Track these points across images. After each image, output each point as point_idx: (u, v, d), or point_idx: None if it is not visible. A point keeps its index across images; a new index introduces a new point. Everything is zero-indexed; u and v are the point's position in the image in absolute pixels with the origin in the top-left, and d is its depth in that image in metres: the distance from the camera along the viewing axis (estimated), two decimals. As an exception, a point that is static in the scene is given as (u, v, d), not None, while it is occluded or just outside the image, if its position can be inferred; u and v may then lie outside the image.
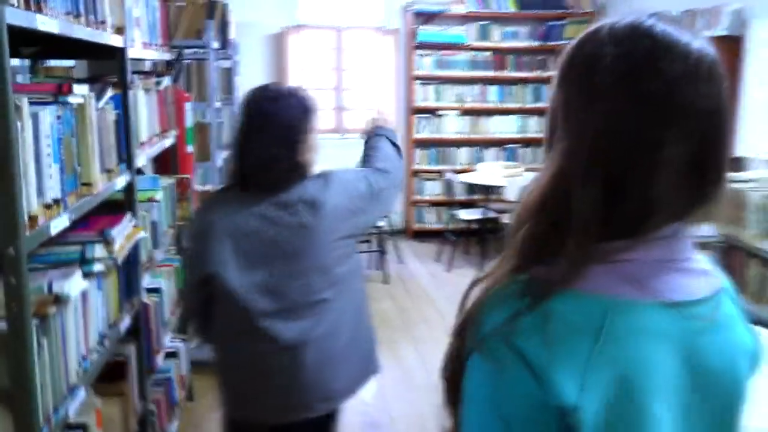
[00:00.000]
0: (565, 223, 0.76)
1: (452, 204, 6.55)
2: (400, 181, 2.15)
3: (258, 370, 1.94)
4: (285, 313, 1.89)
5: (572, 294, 0.75)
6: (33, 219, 1.43)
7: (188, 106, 3.64)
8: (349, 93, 7.24)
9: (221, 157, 4.36)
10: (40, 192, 1.49)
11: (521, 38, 7.20)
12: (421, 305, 5.28)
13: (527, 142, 7.25)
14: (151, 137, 2.79)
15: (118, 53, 2.30)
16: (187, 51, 4.11)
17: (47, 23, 1.57)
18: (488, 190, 6.12)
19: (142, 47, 2.74)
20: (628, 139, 0.74)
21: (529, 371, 0.72)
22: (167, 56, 3.32)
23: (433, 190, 7.21)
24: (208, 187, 4.08)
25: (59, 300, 1.54)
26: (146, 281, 2.60)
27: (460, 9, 6.99)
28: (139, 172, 2.87)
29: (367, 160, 2.14)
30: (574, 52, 0.81)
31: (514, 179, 5.74)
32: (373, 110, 2.34)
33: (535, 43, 7.15)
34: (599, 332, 0.73)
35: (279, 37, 6.96)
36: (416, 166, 7.17)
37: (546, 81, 7.08)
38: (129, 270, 2.32)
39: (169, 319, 3.03)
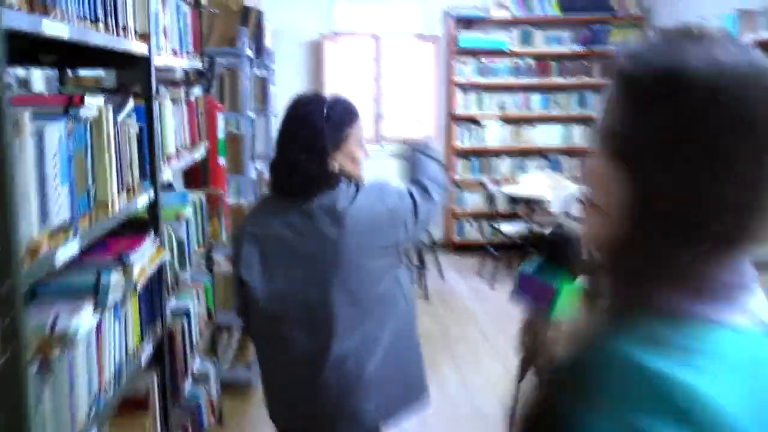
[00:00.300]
0: (670, 251, 0.72)
1: (494, 216, 6.30)
2: (442, 199, 2.03)
3: (280, 377, 1.95)
4: (302, 323, 1.85)
5: (703, 325, 0.70)
6: (34, 248, 1.26)
7: (220, 117, 3.49)
8: (387, 101, 7.06)
9: (254, 169, 4.20)
10: (44, 216, 1.32)
11: (565, 43, 6.93)
12: (463, 323, 5.05)
13: (571, 152, 6.97)
14: (179, 150, 2.63)
15: (141, 61, 2.15)
16: (219, 59, 3.96)
17: (56, 28, 1.41)
18: (531, 202, 5.87)
19: (171, 55, 2.59)
20: (734, 169, 0.70)
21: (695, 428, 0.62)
22: (198, 65, 3.17)
23: (474, 201, 6.97)
24: (241, 201, 3.92)
25: (65, 340, 1.37)
26: (172, 303, 2.43)
27: (501, 14, 6.77)
28: (168, 186, 2.72)
29: (411, 177, 2.06)
30: (661, 75, 0.72)
31: (558, 191, 5.49)
32: (399, 137, 2.29)
33: (579, 48, 6.88)
34: (747, 365, 0.69)
35: (316, 45, 6.82)
36: (457, 177, 6.95)
37: (591, 87, 6.81)
38: (152, 294, 2.14)
39: (198, 341, 2.87)
